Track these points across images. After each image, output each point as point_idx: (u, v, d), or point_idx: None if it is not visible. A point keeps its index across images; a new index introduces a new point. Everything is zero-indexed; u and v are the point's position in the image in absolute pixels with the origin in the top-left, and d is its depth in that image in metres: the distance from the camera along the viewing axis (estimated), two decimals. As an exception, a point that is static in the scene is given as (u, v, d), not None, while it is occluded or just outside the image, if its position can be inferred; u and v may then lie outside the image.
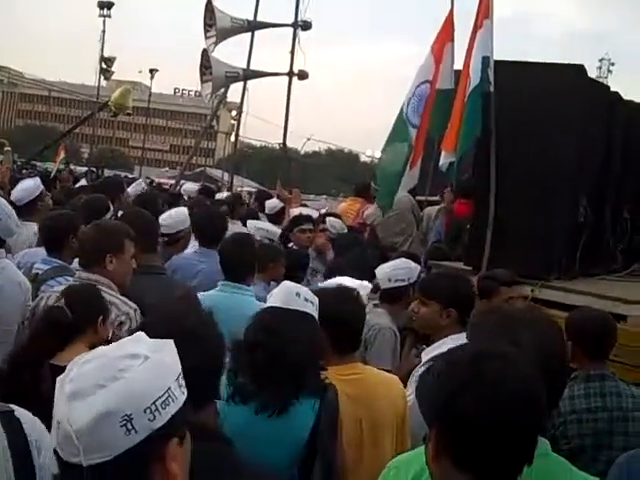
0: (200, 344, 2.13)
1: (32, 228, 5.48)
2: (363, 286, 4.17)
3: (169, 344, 1.56)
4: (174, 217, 5.69)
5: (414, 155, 6.78)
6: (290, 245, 6.87)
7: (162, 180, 27.90)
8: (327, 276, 5.63)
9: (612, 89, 6.70)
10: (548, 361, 1.98)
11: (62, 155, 15.90)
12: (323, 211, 9.62)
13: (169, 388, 1.46)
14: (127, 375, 1.42)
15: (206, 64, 14.06)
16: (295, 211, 8.06)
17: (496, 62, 5.96)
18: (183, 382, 1.53)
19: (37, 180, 6.70)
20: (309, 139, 41.61)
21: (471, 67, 5.94)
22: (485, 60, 5.89)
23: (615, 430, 3.55)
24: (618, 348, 3.97)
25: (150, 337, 1.59)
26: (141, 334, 1.59)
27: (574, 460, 2.19)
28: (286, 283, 3.22)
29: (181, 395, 1.50)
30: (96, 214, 5.20)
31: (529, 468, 1.87)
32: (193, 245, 5.82)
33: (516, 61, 6.25)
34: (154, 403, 1.43)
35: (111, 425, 1.38)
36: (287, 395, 2.83)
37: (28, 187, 6.34)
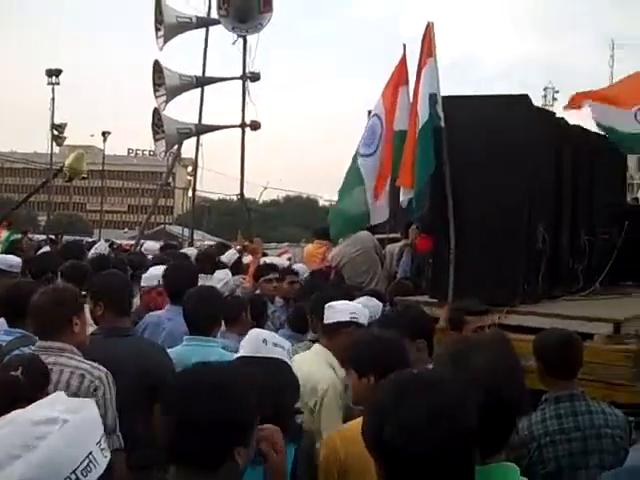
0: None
1: None
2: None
3: (89, 403, 1.48)
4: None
5: (377, 186, 6.70)
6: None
7: (123, 242, 27.62)
8: (290, 322, 5.61)
9: (558, 115, 6.89)
10: (501, 385, 1.97)
11: (4, 233, 14.77)
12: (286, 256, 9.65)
13: (90, 453, 1.39)
14: (43, 443, 1.34)
15: (158, 123, 14.17)
16: (260, 261, 8.09)
17: (444, 97, 6.07)
18: (105, 445, 1.45)
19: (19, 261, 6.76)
20: (266, 188, 41.77)
21: (419, 105, 6.03)
22: (432, 97, 5.98)
23: (590, 449, 3.57)
24: (587, 366, 4.02)
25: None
26: (60, 394, 1.51)
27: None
28: (253, 331, 3.19)
29: (103, 459, 1.42)
30: (77, 280, 5.13)
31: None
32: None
33: (462, 95, 6.38)
34: (74, 472, 1.35)
35: None
36: None
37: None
